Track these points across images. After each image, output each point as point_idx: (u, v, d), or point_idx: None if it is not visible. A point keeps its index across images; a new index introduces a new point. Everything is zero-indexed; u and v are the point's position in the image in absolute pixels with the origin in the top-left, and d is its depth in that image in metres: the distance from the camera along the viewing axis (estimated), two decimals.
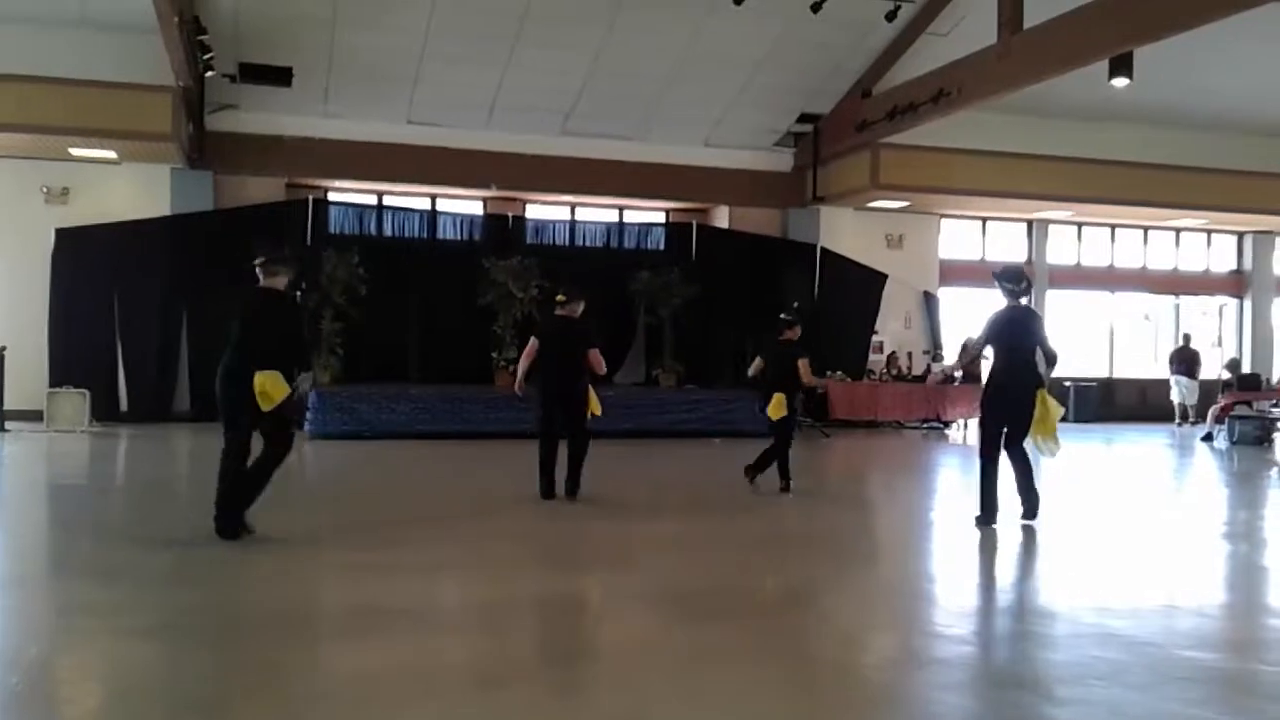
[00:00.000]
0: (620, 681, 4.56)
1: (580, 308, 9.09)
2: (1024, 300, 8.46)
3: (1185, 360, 19.96)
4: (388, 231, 17.71)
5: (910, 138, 16.83)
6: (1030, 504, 8.29)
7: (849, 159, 17.85)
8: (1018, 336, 8.27)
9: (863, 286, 18.97)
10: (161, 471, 11.80)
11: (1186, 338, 20.72)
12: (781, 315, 10.01)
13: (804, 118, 18.14)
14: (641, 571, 6.84)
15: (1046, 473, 13.85)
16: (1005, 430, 8.23)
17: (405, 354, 16.92)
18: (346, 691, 4.28)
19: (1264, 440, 16.45)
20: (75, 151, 15.20)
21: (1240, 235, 22.02)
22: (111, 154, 15.37)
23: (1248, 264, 22.15)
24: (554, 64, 16.00)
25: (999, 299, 8.41)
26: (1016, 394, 8.14)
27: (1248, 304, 22.21)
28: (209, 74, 14.98)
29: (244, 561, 6.57)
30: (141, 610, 5.46)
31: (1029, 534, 8.08)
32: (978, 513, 8.23)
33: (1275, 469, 14.07)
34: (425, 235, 17.85)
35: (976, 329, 19.40)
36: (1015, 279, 8.40)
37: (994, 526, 8.11)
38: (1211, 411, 17.47)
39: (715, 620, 5.50)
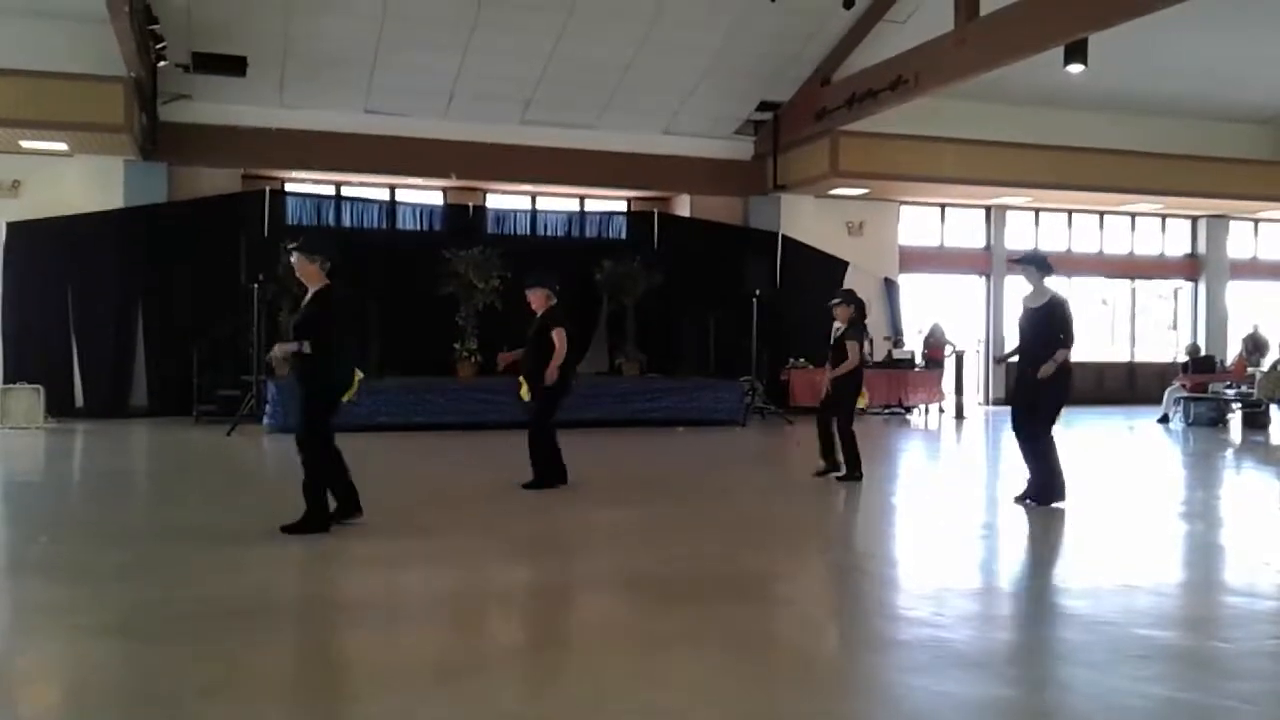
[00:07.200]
0: (582, 668, 4.55)
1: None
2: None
3: (1258, 347, 20.11)
4: (346, 222, 17.52)
5: (869, 125, 16.87)
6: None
7: (809, 147, 17.89)
8: None
9: (824, 274, 19.00)
10: (119, 467, 11.65)
11: (1255, 327, 20.91)
12: None
13: (764, 105, 18.15)
14: (605, 558, 6.84)
15: (1007, 457, 14.00)
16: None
17: (365, 346, 16.75)
18: (307, 684, 4.24)
19: (1218, 421, 16.70)
20: (26, 143, 14.91)
21: (1194, 219, 22.30)
22: (63, 145, 15.09)
23: (1201, 248, 22.44)
24: (513, 51, 15.88)
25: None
26: None
27: (1202, 287, 22.52)
28: (161, 64, 14.77)
29: (202, 556, 6.50)
30: (99, 607, 5.39)
31: (990, 517, 8.14)
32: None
33: (1230, 449, 14.29)
34: (385, 226, 17.71)
35: (935, 315, 19.31)
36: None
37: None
38: (1168, 393, 17.71)
39: (677, 605, 5.50)
